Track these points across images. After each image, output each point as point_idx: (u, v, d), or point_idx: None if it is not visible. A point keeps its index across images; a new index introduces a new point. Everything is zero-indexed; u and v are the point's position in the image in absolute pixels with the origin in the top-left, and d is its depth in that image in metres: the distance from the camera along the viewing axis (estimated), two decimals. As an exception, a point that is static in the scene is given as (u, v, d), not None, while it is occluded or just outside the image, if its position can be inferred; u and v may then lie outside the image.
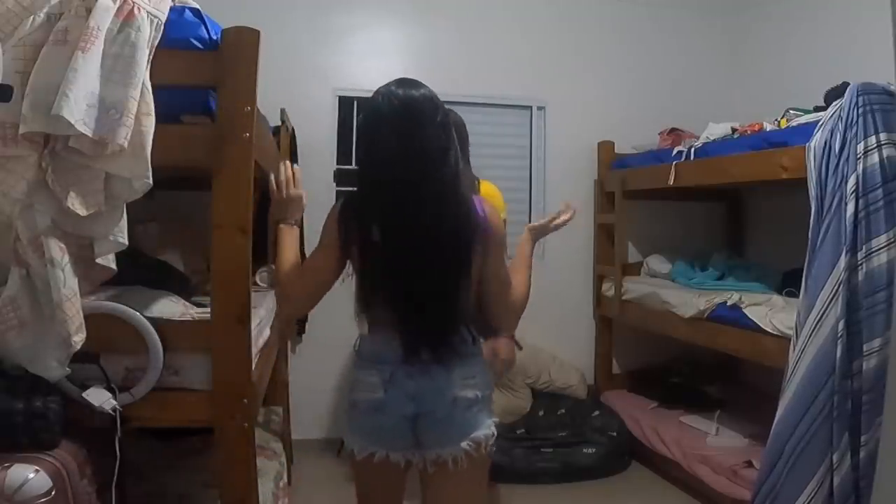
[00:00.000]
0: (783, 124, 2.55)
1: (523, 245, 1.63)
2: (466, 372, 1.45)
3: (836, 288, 2.03)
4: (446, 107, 1.45)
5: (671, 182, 3.04)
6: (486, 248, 1.44)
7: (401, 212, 1.39)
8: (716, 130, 2.98)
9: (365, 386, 1.47)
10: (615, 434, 3.27)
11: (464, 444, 1.42)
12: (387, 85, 1.43)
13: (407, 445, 1.47)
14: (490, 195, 2.09)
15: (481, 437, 1.44)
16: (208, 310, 1.57)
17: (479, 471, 1.50)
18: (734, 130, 2.88)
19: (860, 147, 2.02)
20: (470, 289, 1.44)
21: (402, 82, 1.43)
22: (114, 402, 1.45)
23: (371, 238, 1.41)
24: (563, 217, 1.68)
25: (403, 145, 1.37)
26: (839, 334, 2.01)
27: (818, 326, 2.07)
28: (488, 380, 1.52)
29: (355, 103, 3.53)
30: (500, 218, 1.47)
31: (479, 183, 2.15)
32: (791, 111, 2.59)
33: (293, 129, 3.22)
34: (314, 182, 3.46)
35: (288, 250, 1.51)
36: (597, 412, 3.36)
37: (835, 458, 2.02)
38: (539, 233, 1.68)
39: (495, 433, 1.48)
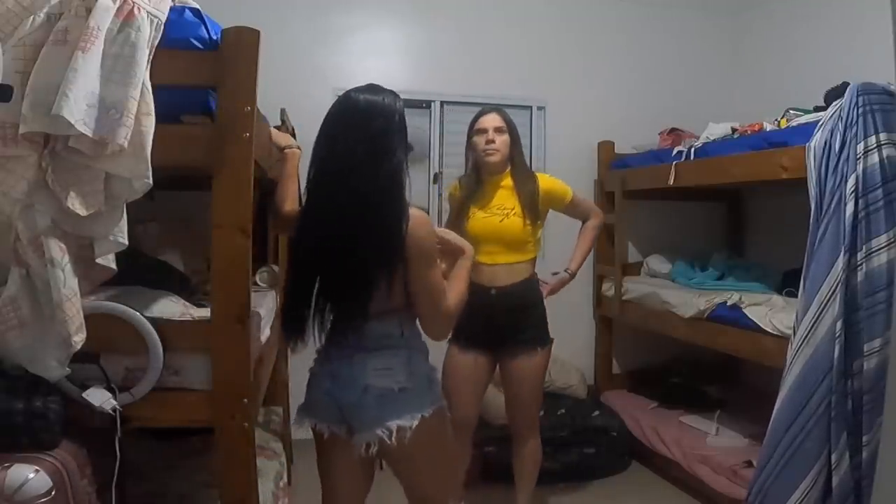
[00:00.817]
0: (783, 124, 2.55)
1: (464, 263, 1.68)
2: (384, 363, 1.53)
3: (833, 288, 2.04)
4: (403, 113, 1.53)
5: (671, 182, 3.04)
6: (408, 260, 1.49)
7: (320, 209, 1.52)
8: (716, 130, 2.98)
9: (315, 361, 1.65)
10: (615, 434, 3.27)
11: (378, 431, 1.49)
12: (352, 88, 1.55)
13: (331, 419, 1.58)
14: (544, 181, 2.38)
15: (394, 426, 1.49)
16: (208, 310, 1.57)
17: (414, 460, 1.57)
18: (734, 130, 2.88)
19: (860, 147, 2.02)
20: (383, 289, 1.49)
21: (363, 87, 1.54)
22: (114, 402, 1.45)
23: (302, 228, 1.58)
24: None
25: (329, 146, 1.50)
26: (837, 334, 2.02)
27: (815, 326, 2.07)
28: (416, 374, 1.56)
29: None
30: (427, 232, 1.51)
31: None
32: (791, 111, 2.59)
33: (293, 129, 3.22)
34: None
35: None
36: (597, 412, 3.36)
37: (833, 457, 2.02)
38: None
39: (412, 426, 1.50)
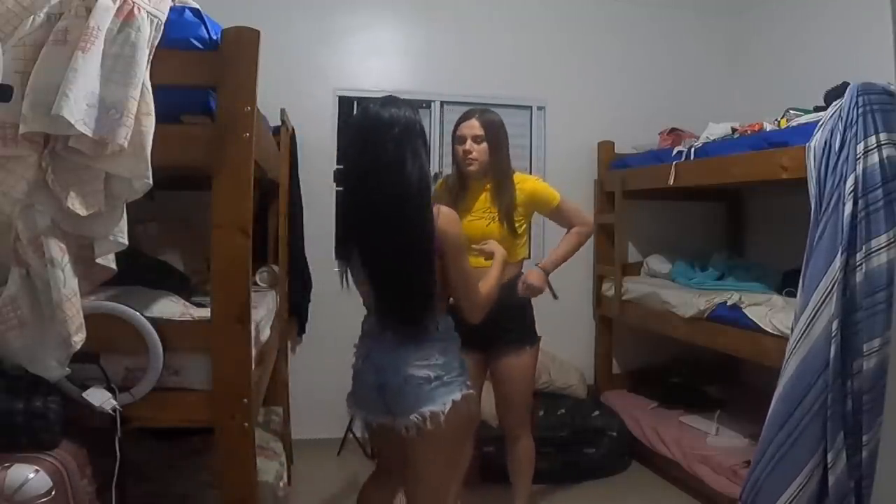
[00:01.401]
0: (783, 124, 2.55)
1: (498, 265, 1.89)
2: (423, 355, 1.66)
3: (830, 287, 2.04)
4: (414, 120, 1.64)
5: (671, 182, 3.04)
6: (442, 253, 1.64)
7: (357, 215, 1.66)
8: (716, 130, 2.98)
9: (356, 355, 1.80)
10: (615, 434, 3.27)
11: (413, 417, 1.63)
12: (371, 100, 1.67)
13: (379, 411, 1.73)
14: (528, 185, 2.36)
15: (427, 412, 1.62)
16: (208, 310, 1.57)
17: (436, 444, 1.67)
18: (734, 130, 2.88)
19: (860, 147, 2.02)
20: (427, 285, 1.64)
21: (381, 100, 1.66)
22: (114, 402, 1.45)
23: (345, 234, 1.75)
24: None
25: (358, 159, 1.64)
26: (833, 334, 2.02)
27: (811, 325, 2.08)
28: (450, 363, 1.69)
29: (355, 103, 3.53)
30: (458, 228, 1.67)
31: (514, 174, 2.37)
32: (791, 111, 2.59)
33: (293, 129, 3.22)
34: (314, 182, 3.47)
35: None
36: (597, 412, 3.36)
37: (829, 457, 2.02)
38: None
39: (445, 411, 1.62)
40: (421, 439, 1.64)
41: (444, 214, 1.64)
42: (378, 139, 1.59)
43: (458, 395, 1.67)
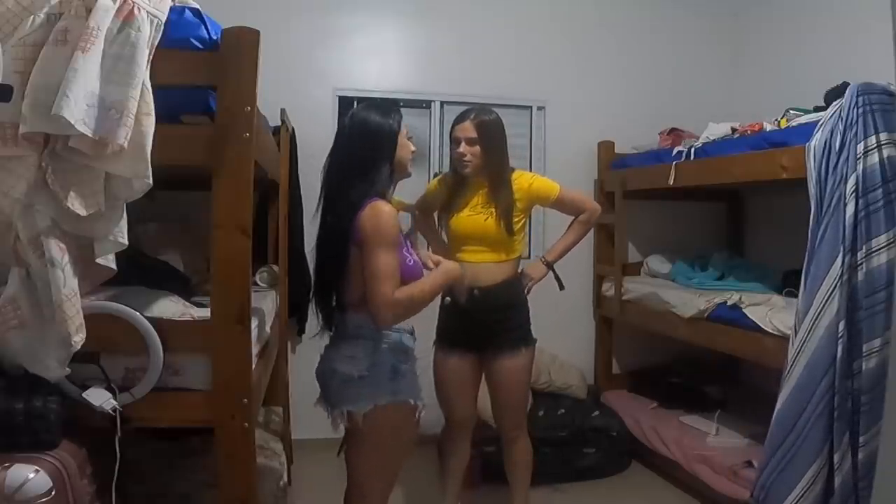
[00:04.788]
0: (783, 124, 2.55)
1: (437, 273, 1.81)
2: (348, 351, 1.69)
3: (833, 287, 2.04)
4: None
5: (671, 182, 3.04)
6: (359, 247, 1.63)
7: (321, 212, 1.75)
8: (716, 130, 2.98)
9: None
10: (615, 434, 3.27)
11: (335, 412, 1.70)
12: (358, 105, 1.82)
13: (323, 398, 1.78)
14: (526, 181, 2.37)
15: (345, 410, 1.66)
16: (208, 310, 1.57)
17: (358, 442, 1.72)
18: (734, 130, 2.88)
19: (860, 147, 2.02)
20: (333, 276, 1.71)
21: (363, 105, 1.76)
22: (114, 402, 1.45)
23: None
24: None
25: (328, 158, 1.74)
26: (840, 334, 2.02)
27: (815, 326, 2.08)
28: (379, 366, 1.67)
29: (355, 103, 3.53)
30: (377, 222, 1.60)
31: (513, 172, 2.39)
32: (791, 111, 2.59)
33: (293, 129, 3.22)
34: (314, 182, 3.44)
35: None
36: (597, 412, 3.36)
37: (836, 457, 2.02)
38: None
39: (364, 413, 1.64)
40: (347, 433, 1.72)
41: (369, 208, 1.61)
42: (337, 141, 1.74)
43: (383, 401, 1.64)
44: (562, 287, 2.49)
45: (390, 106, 1.77)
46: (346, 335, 1.72)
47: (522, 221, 2.37)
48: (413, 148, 1.82)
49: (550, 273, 2.48)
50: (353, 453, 1.77)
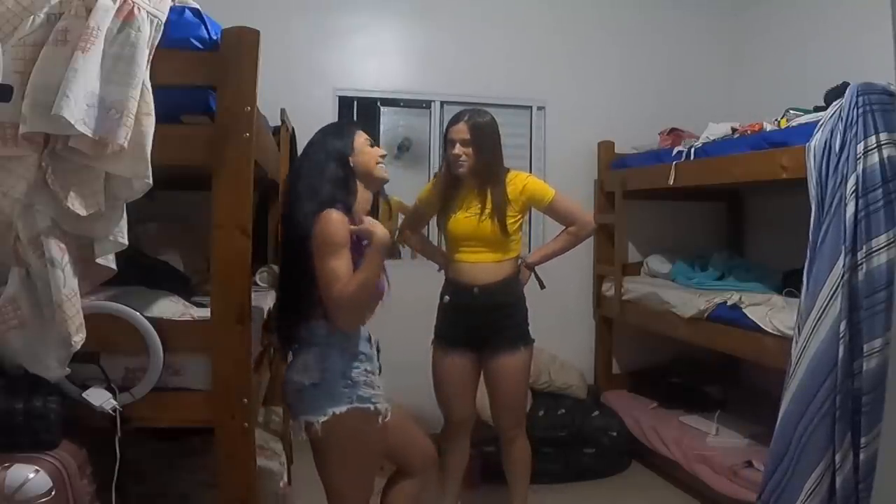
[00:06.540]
0: (783, 124, 2.55)
1: (371, 252, 1.64)
2: (301, 360, 1.68)
3: (835, 287, 2.04)
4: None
5: (671, 182, 3.04)
6: (313, 249, 1.61)
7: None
8: (716, 130, 2.98)
9: None
10: (615, 434, 3.27)
11: (294, 423, 1.70)
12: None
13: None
14: (521, 182, 2.36)
15: (303, 421, 1.64)
16: (208, 310, 1.57)
17: (320, 452, 1.68)
18: (734, 130, 2.88)
19: (860, 147, 2.02)
20: (294, 285, 1.70)
21: (319, 130, 1.79)
22: (114, 402, 1.45)
23: None
24: None
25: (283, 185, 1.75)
26: (841, 335, 2.01)
27: (817, 326, 2.07)
28: (332, 372, 1.65)
29: (355, 103, 3.54)
30: (330, 227, 1.59)
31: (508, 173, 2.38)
32: (791, 111, 2.59)
33: (293, 129, 3.22)
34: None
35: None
36: (597, 412, 3.36)
37: (837, 458, 2.02)
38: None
39: (319, 421, 1.61)
40: (313, 444, 1.68)
41: (322, 216, 1.60)
42: (301, 157, 1.77)
43: (342, 408, 1.62)
44: (542, 286, 2.48)
45: (344, 125, 1.87)
46: (302, 343, 1.71)
47: (519, 221, 2.37)
48: (382, 153, 1.80)
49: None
50: (320, 464, 1.72)
